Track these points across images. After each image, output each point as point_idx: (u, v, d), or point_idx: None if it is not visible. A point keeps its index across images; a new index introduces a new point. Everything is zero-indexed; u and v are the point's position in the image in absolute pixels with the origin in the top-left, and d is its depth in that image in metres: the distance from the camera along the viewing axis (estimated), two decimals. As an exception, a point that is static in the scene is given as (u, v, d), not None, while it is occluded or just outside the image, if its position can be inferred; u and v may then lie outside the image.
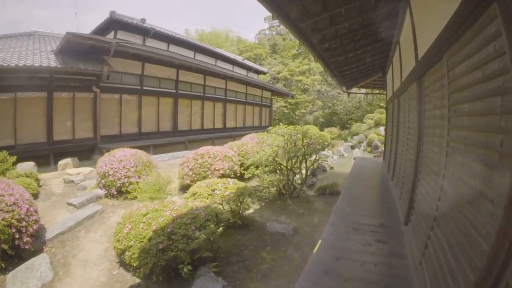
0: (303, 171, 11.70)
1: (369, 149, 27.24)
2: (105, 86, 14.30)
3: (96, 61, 13.31)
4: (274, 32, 50.92)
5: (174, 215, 5.83)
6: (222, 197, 7.98)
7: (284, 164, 10.84)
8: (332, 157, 20.99)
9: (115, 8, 16.71)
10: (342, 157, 23.53)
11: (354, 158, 15.74)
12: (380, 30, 7.87)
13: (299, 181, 11.85)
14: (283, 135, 11.14)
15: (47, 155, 12.59)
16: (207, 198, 8.17)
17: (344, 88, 16.19)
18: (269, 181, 10.84)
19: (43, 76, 12.25)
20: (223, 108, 24.27)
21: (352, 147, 28.43)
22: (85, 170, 11.79)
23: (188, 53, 22.30)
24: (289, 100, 36.10)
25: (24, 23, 65.42)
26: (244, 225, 7.97)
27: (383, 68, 13.31)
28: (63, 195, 9.59)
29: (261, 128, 28.49)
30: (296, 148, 10.64)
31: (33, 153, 11.91)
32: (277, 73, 39.95)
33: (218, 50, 26.23)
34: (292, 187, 11.27)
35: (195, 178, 10.68)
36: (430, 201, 3.90)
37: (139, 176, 9.88)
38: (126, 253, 5.51)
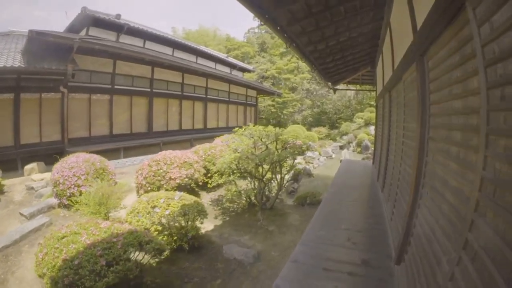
0: (280, 178, 9.88)
1: (358, 149, 25.62)
2: (74, 86, 13.37)
3: (63, 60, 12.37)
4: (263, 31, 49.20)
5: (89, 242, 4.63)
6: (161, 217, 6.25)
7: (253, 172, 9.07)
8: (318, 159, 19.32)
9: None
10: (330, 159, 21.85)
11: (341, 161, 14.02)
12: (365, 5, 6.16)
13: (281, 187, 10.18)
14: (252, 137, 9.38)
15: (14, 159, 11.84)
16: (146, 216, 6.44)
17: (330, 84, 14.56)
18: (235, 191, 9.10)
19: (10, 77, 11.54)
20: (204, 107, 22.64)
21: (341, 148, 26.77)
22: (49, 175, 10.41)
23: (166, 50, 20.84)
24: (277, 99, 34.41)
25: (25, 23, 63.32)
26: (196, 248, 6.39)
27: (372, 60, 11.69)
28: (21, 203, 8.83)
29: (246, 128, 26.87)
30: (267, 153, 8.87)
31: (0, 157, 11.15)
32: (264, 72, 38.24)
33: (198, 46, 24.55)
34: (264, 197, 9.54)
35: (149, 189, 9.22)
36: (437, 239, 2.37)
37: (90, 185, 8.46)
38: (44, 280, 4.57)
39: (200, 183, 10.16)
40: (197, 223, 6.68)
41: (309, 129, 31.36)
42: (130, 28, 17.20)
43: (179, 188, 9.32)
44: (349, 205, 6.88)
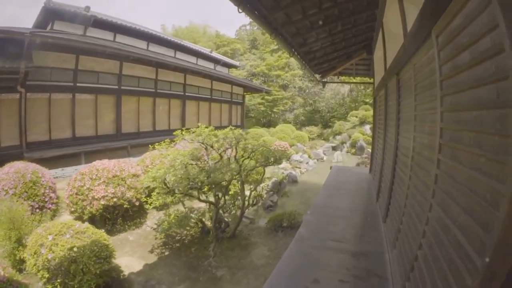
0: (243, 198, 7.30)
1: (353, 150, 23.04)
2: (33, 85, 11.88)
3: (20, 57, 10.85)
4: (255, 28, 46.71)
5: None
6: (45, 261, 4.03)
7: (194, 193, 6.51)
8: (307, 163, 16.71)
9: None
10: (321, 161, 19.26)
11: (331, 168, 11.40)
12: None
13: (252, 204, 7.73)
14: (202, 142, 6.80)
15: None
16: (33, 256, 4.08)
17: (318, 77, 11.94)
18: (175, 216, 6.54)
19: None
20: (182, 106, 20.09)
21: (334, 149, 24.16)
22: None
23: (140, 44, 18.49)
24: (266, 97, 31.80)
25: (27, 20, 60.36)
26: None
27: (368, 45, 9.10)
28: None
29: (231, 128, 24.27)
30: (220, 165, 6.27)
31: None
32: (254, 68, 35.66)
33: (176, 40, 21.94)
34: (223, 223, 6.96)
35: (73, 210, 7.15)
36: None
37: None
38: None
39: (137, 204, 7.57)
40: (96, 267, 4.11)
41: (300, 129, 28.87)
42: (98, 21, 15.06)
43: (107, 210, 6.80)
44: (331, 255, 4.21)
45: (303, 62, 8.59)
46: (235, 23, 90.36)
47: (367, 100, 31.14)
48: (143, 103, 17.32)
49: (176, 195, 6.33)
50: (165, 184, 6.03)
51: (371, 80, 11.94)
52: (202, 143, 7.10)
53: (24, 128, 11.79)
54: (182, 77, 19.93)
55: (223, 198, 7.16)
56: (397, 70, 4.55)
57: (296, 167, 15.47)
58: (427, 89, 2.94)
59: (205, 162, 7.14)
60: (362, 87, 33.14)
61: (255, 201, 10.22)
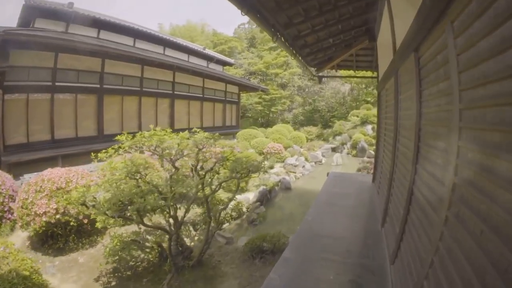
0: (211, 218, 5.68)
1: (354, 152, 21.47)
2: (10, 86, 10.95)
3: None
4: (254, 26, 45.02)
5: None
6: None
7: (134, 216, 4.94)
8: (303, 166, 15.10)
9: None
10: (318, 164, 17.67)
11: (328, 174, 9.77)
12: None
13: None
14: (154, 150, 5.20)
15: None
16: None
17: (313, 70, 10.35)
18: (119, 242, 4.99)
19: None
20: (170, 105, 18.48)
21: (334, 150, 22.58)
22: None
23: (126, 40, 17.06)
24: (264, 96, 30.19)
25: None
26: None
27: (370, 29, 7.51)
28: None
29: (225, 128, 22.79)
30: (175, 180, 4.67)
31: None
32: (251, 66, 34.06)
33: (165, 36, 20.39)
34: (186, 248, 5.39)
35: (20, 225, 6.28)
36: None
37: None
38: None
39: (86, 221, 6.06)
40: None
41: (299, 129, 27.29)
42: (79, 17, 13.97)
43: (57, 225, 5.41)
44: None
45: (293, 51, 6.99)
46: (235, 22, 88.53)
47: (369, 99, 29.54)
48: (128, 103, 15.82)
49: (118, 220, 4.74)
50: (86, 206, 4.45)
51: (375, 74, 10.41)
52: (153, 151, 5.48)
53: (1, 130, 10.85)
54: (171, 74, 18.35)
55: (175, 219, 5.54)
56: (416, 44, 2.94)
57: (291, 171, 13.89)
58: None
59: (156, 176, 5.54)
60: (364, 86, 31.56)
61: (236, 215, 8.72)
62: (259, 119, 32.19)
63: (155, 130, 5.90)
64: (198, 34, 43.37)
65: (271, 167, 13.62)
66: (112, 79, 14.87)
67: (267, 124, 29.79)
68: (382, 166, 6.53)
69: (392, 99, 5.05)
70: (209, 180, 5.91)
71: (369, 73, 12.34)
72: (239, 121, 25.57)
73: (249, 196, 10.27)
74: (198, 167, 5.96)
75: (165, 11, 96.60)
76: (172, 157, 5.67)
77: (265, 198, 10.46)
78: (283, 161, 14.40)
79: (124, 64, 15.17)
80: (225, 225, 8.98)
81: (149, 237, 5.76)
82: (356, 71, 10.74)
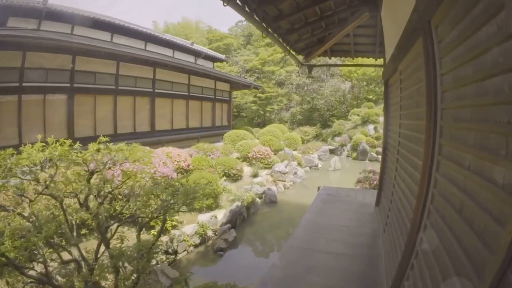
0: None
1: (354, 154, 19.21)
2: None
3: None
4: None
5: None
6: None
7: None
8: (295, 173, 12.86)
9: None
10: (314, 169, 15.44)
11: (318, 189, 7.53)
12: None
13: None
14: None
15: None
16: None
17: (302, 58, 8.14)
18: None
19: None
20: (150, 104, 16.32)
21: (332, 152, 20.30)
22: None
23: (102, 36, 15.24)
24: (259, 94, 27.98)
25: None
26: None
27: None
28: None
29: (215, 129, 20.60)
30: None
31: None
32: (246, 63, 31.89)
33: (147, 30, 18.18)
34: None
35: None
36: None
37: None
38: None
39: None
40: None
41: (295, 129, 25.08)
42: (52, 12, 12.54)
43: None
44: None
45: (267, 28, 4.78)
46: (233, 20, 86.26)
47: (370, 97, 27.26)
48: (101, 102, 13.99)
49: None
50: None
51: (377, 62, 8.19)
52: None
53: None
54: (151, 71, 16.27)
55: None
56: None
57: (279, 180, 11.66)
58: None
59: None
60: (365, 83, 29.29)
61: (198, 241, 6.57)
62: (255, 118, 29.97)
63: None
64: (193, 31, 41.56)
65: (255, 175, 11.39)
66: (84, 77, 13.23)
67: (263, 124, 27.60)
68: (390, 183, 4.34)
69: (409, 87, 2.88)
70: (104, 215, 3.67)
71: (370, 60, 10.07)
72: (231, 121, 23.36)
73: (218, 216, 8.06)
74: (92, 196, 3.71)
75: (161, 10, 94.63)
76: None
77: (239, 218, 8.25)
78: (271, 167, 12.19)
79: (98, 61, 13.49)
80: (182, 255, 6.84)
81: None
82: (355, 58, 8.44)
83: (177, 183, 4.90)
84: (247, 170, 11.74)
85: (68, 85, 12.44)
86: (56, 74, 12.13)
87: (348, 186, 10.04)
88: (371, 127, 20.49)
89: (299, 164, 14.37)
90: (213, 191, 8.20)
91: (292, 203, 10.05)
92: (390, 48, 4.47)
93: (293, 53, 7.22)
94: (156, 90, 16.62)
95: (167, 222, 6.89)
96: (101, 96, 13.86)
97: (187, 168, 9.35)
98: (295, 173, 12.76)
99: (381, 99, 26.21)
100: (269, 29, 5.07)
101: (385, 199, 4.96)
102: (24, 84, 11.17)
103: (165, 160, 8.25)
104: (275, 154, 14.68)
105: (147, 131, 16.19)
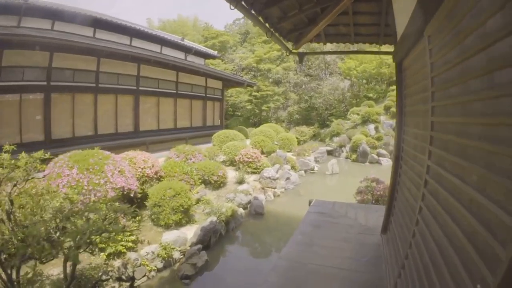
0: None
1: (353, 156, 17.68)
2: None
3: None
4: (249, 22, 41.37)
5: None
6: None
7: None
8: (288, 178, 11.32)
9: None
10: (310, 173, 13.90)
11: (310, 203, 6.00)
12: None
13: None
14: None
15: None
16: None
17: (291, 45, 6.58)
18: None
19: None
20: (134, 103, 14.84)
21: (330, 153, 18.76)
22: None
23: (85, 31, 14.00)
24: (254, 93, 26.47)
25: None
26: None
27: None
28: None
29: (206, 129, 19.07)
30: None
31: None
32: (242, 60, 30.42)
33: (131, 25, 16.68)
34: None
35: None
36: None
37: None
38: None
39: None
40: None
41: (293, 128, 23.61)
42: (30, 8, 11.66)
43: None
44: None
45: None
46: (230, 19, 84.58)
47: (371, 95, 25.79)
48: (81, 101, 12.67)
49: None
50: None
51: (378, 47, 6.67)
52: None
53: None
54: (135, 67, 14.81)
55: None
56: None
57: (268, 186, 10.12)
58: None
59: None
60: (365, 81, 27.79)
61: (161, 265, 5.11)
62: (251, 118, 28.49)
63: None
64: (190, 29, 40.09)
65: (240, 182, 9.85)
66: (62, 75, 11.99)
67: (259, 123, 26.09)
68: (417, 213, 2.85)
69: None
70: None
71: (372, 47, 8.54)
72: (223, 120, 21.86)
73: (188, 233, 6.57)
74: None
75: (161, 9, 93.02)
76: None
77: (214, 236, 6.73)
78: (260, 172, 10.66)
79: (77, 57, 12.22)
80: (141, 281, 5.37)
81: None
82: (355, 44, 6.88)
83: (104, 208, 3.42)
84: (232, 175, 10.22)
85: (45, 83, 11.23)
86: (32, 72, 11.02)
87: (347, 194, 8.57)
88: (371, 126, 18.95)
89: (292, 167, 12.81)
90: (180, 205, 6.70)
91: (281, 215, 8.53)
92: (405, 15, 2.97)
93: (278, 36, 5.69)
94: (140, 88, 15.13)
95: (121, 243, 5.49)
96: (80, 95, 12.55)
97: (154, 176, 7.83)
98: (288, 178, 11.21)
99: (381, 98, 24.72)
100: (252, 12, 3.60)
101: (398, 227, 3.46)
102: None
103: (122, 167, 6.71)
104: (267, 156, 13.15)
105: (130, 132, 14.71)
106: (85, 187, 6.00)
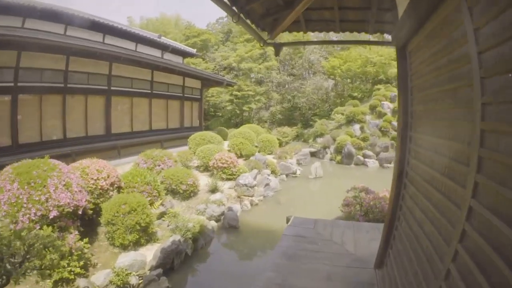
0: None
1: (338, 157, 16.80)
2: None
3: None
4: (235, 20, 40.45)
5: None
6: None
7: None
8: (267, 184, 10.30)
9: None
10: (292, 177, 12.91)
11: (287, 221, 4.95)
12: None
13: None
14: None
15: None
16: None
17: (267, 35, 5.52)
18: None
19: None
20: (106, 103, 13.58)
21: (314, 155, 17.86)
22: None
23: (56, 28, 12.76)
24: (235, 93, 25.42)
25: None
26: None
27: None
28: None
29: (183, 130, 17.83)
30: None
31: None
32: (223, 59, 29.34)
33: (104, 21, 15.37)
34: None
35: None
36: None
37: None
38: None
39: None
40: None
41: (275, 129, 22.63)
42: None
43: None
44: None
45: None
46: (213, 18, 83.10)
47: (355, 94, 25.03)
48: (48, 103, 11.53)
49: None
50: None
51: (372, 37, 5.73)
52: None
53: None
54: (106, 66, 13.57)
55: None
56: None
57: (245, 195, 9.05)
58: None
59: None
60: (349, 80, 27.07)
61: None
62: (232, 118, 27.43)
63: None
64: (172, 27, 38.80)
65: (213, 190, 8.75)
66: (29, 75, 10.85)
67: (241, 124, 25.06)
68: (420, 248, 1.86)
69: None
70: None
71: (362, 36, 7.61)
72: (202, 121, 20.71)
73: (148, 255, 5.51)
74: None
75: (145, 7, 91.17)
76: None
77: (178, 257, 5.67)
78: (236, 179, 9.59)
79: (45, 56, 11.06)
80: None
81: None
82: (341, 33, 5.90)
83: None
84: (205, 182, 9.11)
85: (12, 84, 10.15)
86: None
87: (332, 202, 7.63)
88: (357, 127, 18.10)
89: (273, 172, 11.77)
90: (136, 222, 5.60)
91: (259, 228, 7.50)
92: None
93: (250, 23, 4.64)
94: (112, 88, 13.84)
95: (67, 269, 4.46)
96: (48, 96, 11.41)
97: (110, 188, 6.68)
98: (267, 184, 10.17)
99: (366, 97, 23.91)
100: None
101: (400, 267, 2.47)
102: None
103: (69, 180, 5.57)
104: (245, 160, 12.07)
105: (101, 135, 13.40)
106: (25, 205, 4.96)
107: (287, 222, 5.03)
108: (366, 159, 16.15)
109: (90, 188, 6.36)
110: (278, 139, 17.65)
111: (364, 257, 3.69)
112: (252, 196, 9.15)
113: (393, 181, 2.85)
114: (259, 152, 13.48)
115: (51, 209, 5.12)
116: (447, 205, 1.65)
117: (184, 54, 20.90)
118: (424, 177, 2.24)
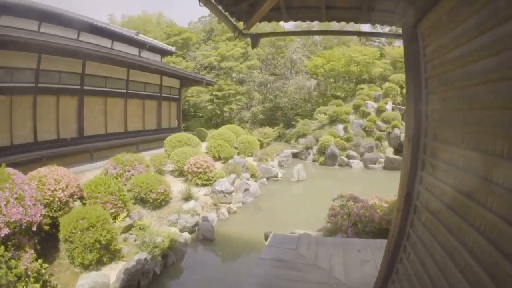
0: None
1: (321, 158, 16.25)
2: None
3: None
4: (215, 18, 39.92)
5: None
6: None
7: None
8: (246, 190, 9.59)
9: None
10: (273, 181, 12.25)
11: (266, 238, 4.25)
12: None
13: None
14: None
15: None
16: None
17: (243, 24, 4.79)
18: None
19: None
20: (78, 104, 12.66)
21: (296, 156, 17.28)
22: None
23: (30, 25, 12.04)
24: (215, 92, 24.67)
25: None
26: None
27: None
28: None
29: (161, 131, 16.99)
30: None
31: None
32: (204, 58, 28.55)
33: (80, 17, 14.41)
34: None
35: None
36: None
37: None
38: None
39: None
40: None
41: (255, 130, 21.99)
42: None
43: None
44: None
45: None
46: (195, 16, 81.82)
47: (339, 94, 24.66)
48: (18, 104, 10.66)
49: None
50: None
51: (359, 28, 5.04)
52: None
53: None
54: (79, 64, 12.65)
55: None
56: None
57: (222, 202, 8.32)
58: None
59: None
60: (332, 80, 26.69)
61: None
62: (213, 119, 26.66)
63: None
64: (153, 26, 37.87)
65: (187, 198, 7.99)
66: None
67: (222, 124, 24.35)
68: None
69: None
70: None
71: (353, 27, 6.97)
72: (181, 122, 19.94)
73: (112, 275, 4.76)
74: None
75: (127, 5, 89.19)
76: None
77: (144, 278, 4.93)
78: (212, 184, 8.84)
79: (14, 54, 10.25)
80: None
81: None
82: (328, 23, 5.20)
83: None
84: (179, 189, 8.33)
85: None
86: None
87: (316, 208, 7.00)
88: (340, 127, 17.57)
89: (253, 175, 11.07)
90: (96, 240, 4.83)
91: (236, 240, 6.79)
92: None
93: (221, 8, 3.91)
94: (85, 87, 12.91)
95: None
96: (18, 97, 10.60)
97: (70, 200, 5.86)
98: (246, 190, 9.45)
99: (350, 97, 23.49)
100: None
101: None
102: None
103: (21, 193, 4.75)
104: (224, 163, 11.33)
105: (73, 137, 12.50)
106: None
107: (265, 240, 4.34)
108: (350, 160, 15.65)
109: (47, 201, 5.54)
110: (259, 140, 16.98)
111: (356, 287, 3.03)
112: (229, 203, 8.42)
113: (398, 203, 2.19)
114: (238, 154, 12.77)
115: (2, 226, 4.33)
116: (487, 251, 1.01)
117: (162, 52, 20.06)
118: (447, 202, 1.58)
